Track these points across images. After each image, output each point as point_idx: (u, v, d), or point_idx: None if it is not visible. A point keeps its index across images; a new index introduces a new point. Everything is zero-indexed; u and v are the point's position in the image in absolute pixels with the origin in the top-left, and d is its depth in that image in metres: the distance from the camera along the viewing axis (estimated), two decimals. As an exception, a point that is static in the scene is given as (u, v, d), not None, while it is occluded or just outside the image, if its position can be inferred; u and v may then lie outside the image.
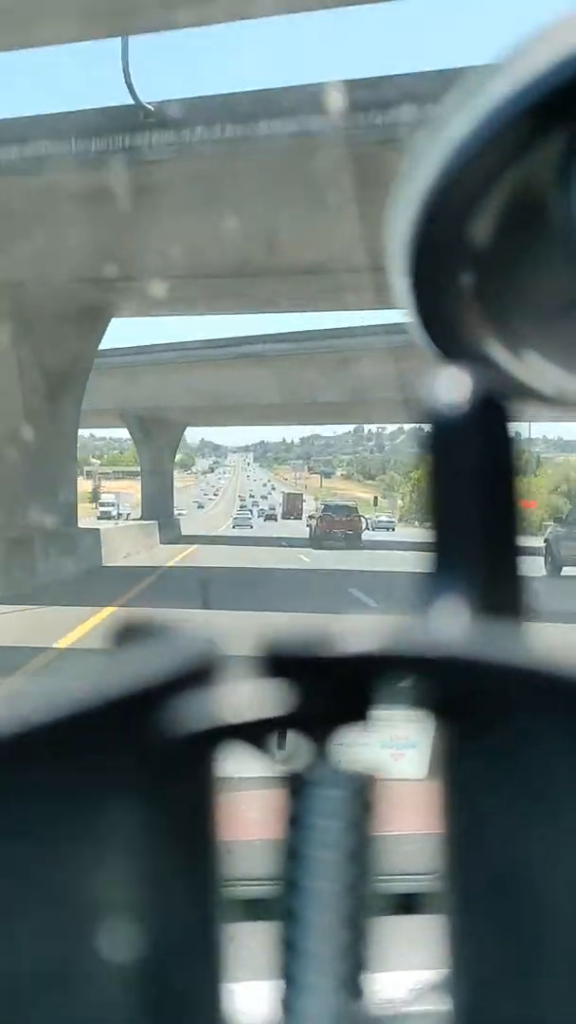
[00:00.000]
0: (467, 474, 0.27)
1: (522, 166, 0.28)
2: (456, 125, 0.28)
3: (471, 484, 0.27)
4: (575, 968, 0.22)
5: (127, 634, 0.25)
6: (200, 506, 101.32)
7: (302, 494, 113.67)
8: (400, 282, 0.31)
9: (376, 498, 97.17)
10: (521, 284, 0.32)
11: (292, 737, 0.23)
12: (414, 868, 0.61)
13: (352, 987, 0.23)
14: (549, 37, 0.26)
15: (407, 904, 0.57)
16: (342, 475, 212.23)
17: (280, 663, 0.22)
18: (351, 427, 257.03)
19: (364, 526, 30.15)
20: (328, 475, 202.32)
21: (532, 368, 0.34)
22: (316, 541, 26.26)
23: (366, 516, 56.12)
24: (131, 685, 0.21)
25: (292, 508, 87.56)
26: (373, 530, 52.30)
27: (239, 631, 0.27)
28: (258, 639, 0.23)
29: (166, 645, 0.23)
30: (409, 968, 0.54)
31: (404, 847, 0.66)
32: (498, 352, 0.33)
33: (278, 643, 0.23)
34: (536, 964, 0.22)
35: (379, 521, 59.20)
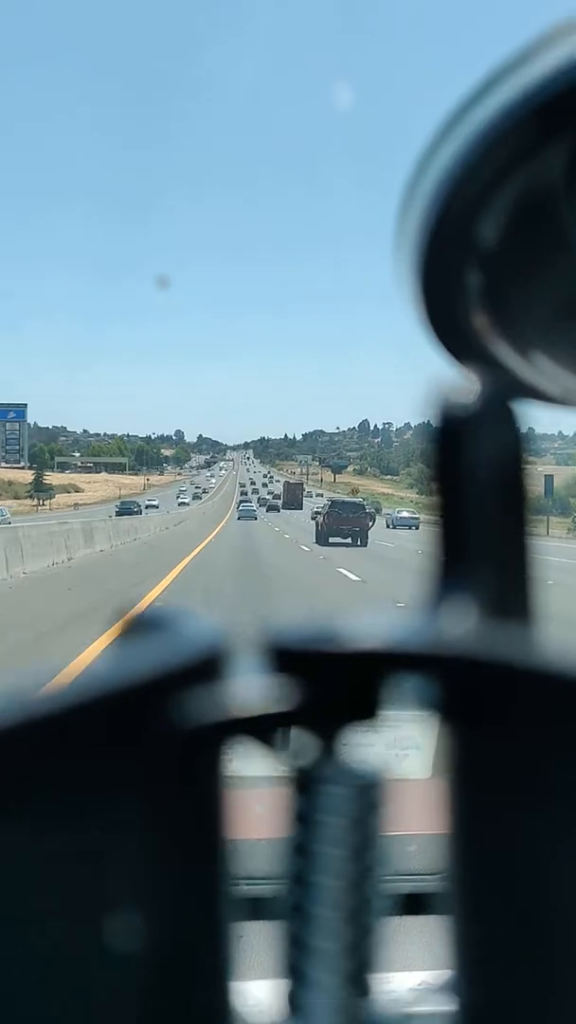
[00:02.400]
0: (476, 474, 0.27)
1: (530, 168, 0.27)
2: (465, 128, 0.27)
3: (480, 484, 0.27)
4: None
5: (136, 626, 0.25)
6: (117, 513, 49.37)
7: (303, 483, 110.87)
8: (409, 283, 0.31)
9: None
10: (529, 285, 0.32)
11: (298, 733, 0.23)
12: (419, 868, 0.62)
13: (358, 984, 0.23)
14: (556, 40, 0.26)
15: (412, 904, 0.56)
16: (354, 470, 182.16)
17: (288, 658, 0.22)
18: (355, 423, 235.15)
19: (371, 525, 29.71)
20: (339, 470, 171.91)
21: (539, 369, 0.34)
22: (322, 538, 27.06)
23: (389, 512, 55.90)
24: (138, 678, 0.21)
25: (293, 498, 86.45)
26: (394, 527, 46.29)
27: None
28: (266, 634, 0.23)
29: (174, 638, 0.23)
30: (414, 968, 0.54)
31: (409, 847, 0.66)
32: (505, 353, 0.33)
33: (286, 638, 0.23)
34: (541, 963, 0.22)
35: (400, 518, 50.80)
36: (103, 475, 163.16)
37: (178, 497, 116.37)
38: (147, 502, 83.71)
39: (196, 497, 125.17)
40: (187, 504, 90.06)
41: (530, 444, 0.27)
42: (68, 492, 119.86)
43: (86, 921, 0.21)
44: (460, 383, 0.27)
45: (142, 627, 0.24)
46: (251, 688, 0.22)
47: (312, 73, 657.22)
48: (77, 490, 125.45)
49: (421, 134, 0.29)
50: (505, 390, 0.27)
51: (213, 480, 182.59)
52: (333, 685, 0.22)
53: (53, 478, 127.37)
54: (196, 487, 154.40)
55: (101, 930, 0.21)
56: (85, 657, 6.15)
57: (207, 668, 0.22)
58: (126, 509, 60.47)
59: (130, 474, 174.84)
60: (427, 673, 0.22)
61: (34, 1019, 0.21)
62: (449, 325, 0.32)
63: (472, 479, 0.27)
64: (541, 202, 0.28)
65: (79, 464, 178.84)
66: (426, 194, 0.28)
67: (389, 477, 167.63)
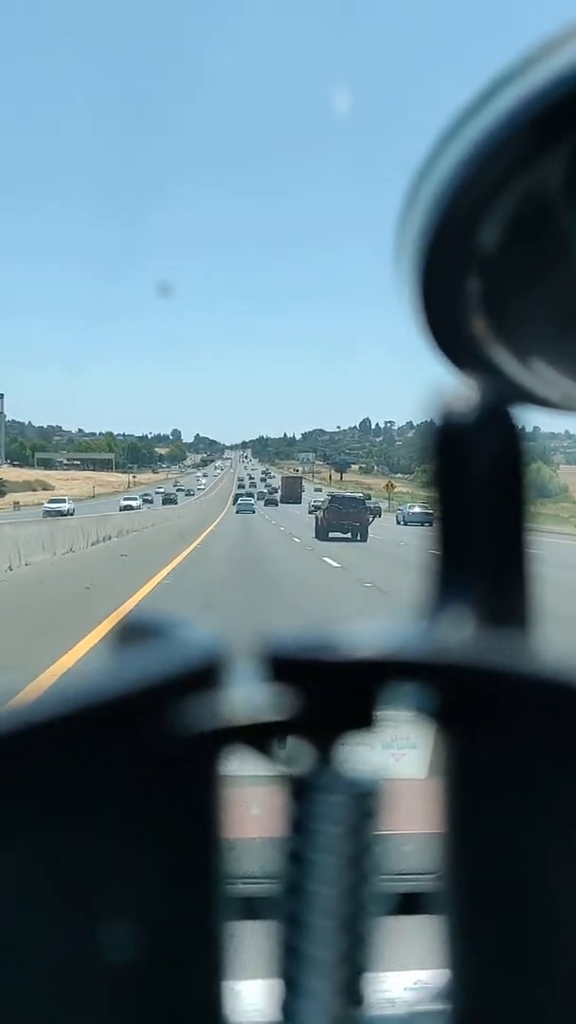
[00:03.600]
0: (474, 481, 0.27)
1: (530, 175, 0.27)
2: (465, 134, 0.27)
3: (478, 490, 0.27)
4: (573, 966, 0.22)
5: (133, 634, 0.25)
6: None
7: (301, 478, 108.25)
8: (409, 289, 0.31)
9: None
10: (529, 292, 0.32)
11: (295, 741, 0.23)
12: (415, 868, 0.63)
13: (351, 991, 0.23)
14: (556, 47, 0.26)
15: (408, 904, 0.55)
16: (360, 468, 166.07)
17: (285, 667, 0.23)
18: (356, 422, 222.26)
19: (372, 520, 29.98)
20: (344, 468, 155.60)
21: (538, 375, 0.34)
22: (322, 533, 26.98)
23: (402, 507, 52.92)
24: (136, 685, 0.21)
25: (291, 492, 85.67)
26: (405, 524, 42.22)
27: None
28: (263, 642, 0.23)
29: (172, 646, 0.23)
30: (409, 968, 0.54)
31: (405, 847, 0.67)
32: (504, 359, 0.33)
33: (283, 647, 0.23)
34: (535, 963, 0.23)
35: (413, 514, 43.59)
36: (85, 472, 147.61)
37: (144, 497, 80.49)
38: (47, 505, 54.06)
39: (168, 501, 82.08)
40: (133, 508, 53.79)
41: (529, 449, 0.27)
42: (34, 490, 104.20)
43: (81, 922, 0.21)
44: (459, 389, 0.28)
45: (139, 635, 0.25)
46: (248, 697, 0.22)
47: (314, 68, 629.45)
48: (46, 488, 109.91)
49: (424, 129, 0.29)
50: (504, 396, 0.28)
51: (204, 480, 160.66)
52: (330, 694, 0.22)
53: (20, 474, 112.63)
54: (179, 487, 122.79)
55: (96, 931, 0.21)
56: None
57: (204, 676, 0.22)
58: None
59: (119, 472, 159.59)
60: (423, 681, 0.22)
61: (27, 1018, 0.21)
62: (449, 331, 0.32)
63: (471, 486, 0.27)
64: (541, 209, 0.28)
65: (65, 461, 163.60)
66: (427, 200, 0.29)
67: (400, 475, 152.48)
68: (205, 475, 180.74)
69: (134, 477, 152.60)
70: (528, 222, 0.29)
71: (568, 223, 0.28)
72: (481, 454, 0.27)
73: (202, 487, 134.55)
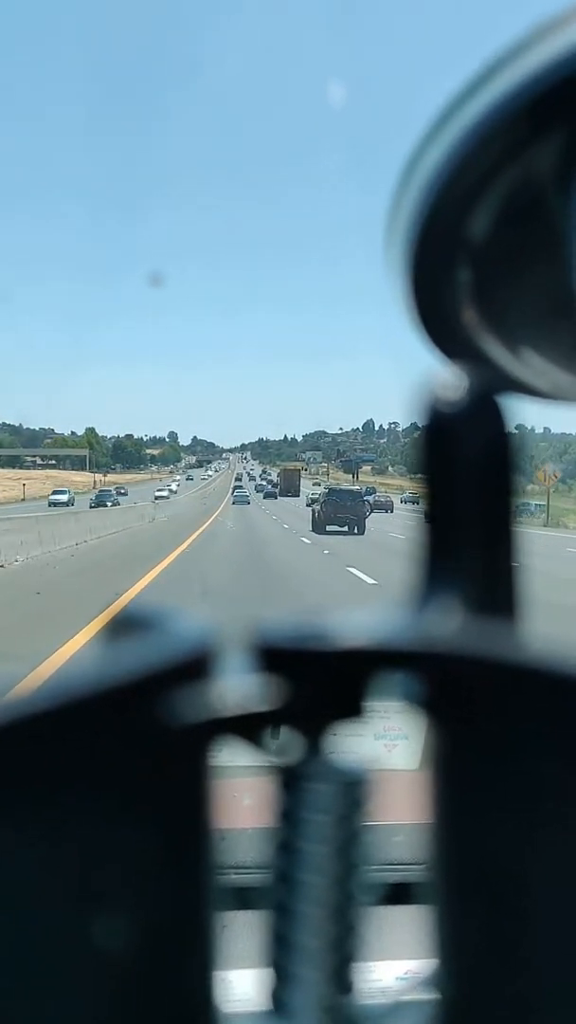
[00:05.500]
0: (464, 470, 0.27)
1: (521, 163, 0.27)
2: (456, 122, 0.27)
3: (468, 480, 0.27)
4: (561, 956, 0.23)
5: (123, 625, 0.25)
6: None
7: (299, 470, 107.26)
8: (399, 279, 0.31)
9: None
10: (518, 281, 0.31)
11: (285, 731, 0.23)
12: (405, 858, 0.64)
13: (340, 979, 0.23)
14: (547, 34, 0.25)
15: (397, 894, 0.54)
16: (372, 468, 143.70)
17: (275, 657, 0.22)
18: (359, 423, 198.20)
19: (369, 514, 30.70)
20: (355, 468, 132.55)
21: (528, 365, 0.34)
22: (319, 527, 27.37)
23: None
24: (127, 676, 0.21)
25: (289, 485, 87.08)
26: None
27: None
28: (253, 632, 0.23)
29: (162, 637, 0.23)
30: (398, 957, 0.56)
31: (395, 837, 0.68)
32: (494, 348, 0.33)
33: (273, 636, 0.23)
34: (523, 952, 0.23)
35: None
36: (48, 471, 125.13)
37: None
38: None
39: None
40: None
41: (518, 439, 0.27)
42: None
43: (72, 911, 0.21)
44: (449, 379, 0.27)
45: (130, 626, 0.25)
46: (238, 687, 0.22)
47: (307, 70, 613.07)
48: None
49: (419, 132, 0.30)
50: (493, 385, 0.28)
51: (173, 486, 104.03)
52: (319, 683, 0.22)
53: None
54: (99, 495, 56.22)
55: (87, 920, 0.21)
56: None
57: (195, 667, 0.22)
58: None
59: (101, 472, 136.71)
60: (413, 670, 0.22)
61: (15, 1008, 0.21)
62: (439, 320, 0.32)
63: (460, 475, 0.27)
64: (532, 197, 0.28)
65: (40, 460, 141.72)
66: (417, 189, 0.28)
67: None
68: (189, 478, 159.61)
69: (104, 476, 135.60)
70: (519, 211, 0.29)
71: (559, 212, 0.28)
72: (470, 443, 0.27)
73: (164, 495, 66.82)
